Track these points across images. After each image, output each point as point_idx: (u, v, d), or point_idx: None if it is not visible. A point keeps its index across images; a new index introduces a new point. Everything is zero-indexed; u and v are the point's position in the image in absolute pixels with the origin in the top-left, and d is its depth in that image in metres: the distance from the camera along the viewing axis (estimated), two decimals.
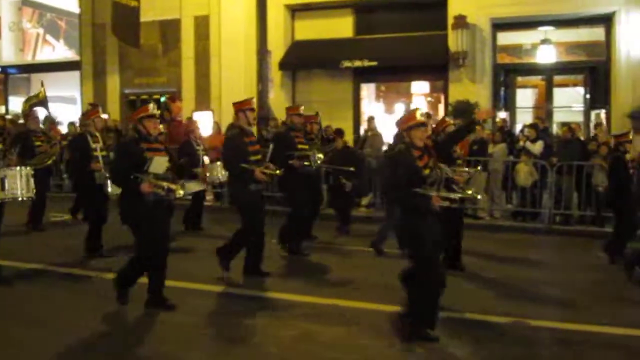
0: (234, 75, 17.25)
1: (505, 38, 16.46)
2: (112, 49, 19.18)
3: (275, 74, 16.63)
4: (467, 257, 8.41)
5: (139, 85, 18.97)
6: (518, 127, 15.99)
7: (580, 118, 16.12)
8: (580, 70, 16.45)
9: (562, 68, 16.39)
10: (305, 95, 17.13)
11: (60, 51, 24.44)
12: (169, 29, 18.61)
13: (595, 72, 15.90)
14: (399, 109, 17.61)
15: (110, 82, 19.27)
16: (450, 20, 15.52)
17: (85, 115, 9.68)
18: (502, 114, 15.77)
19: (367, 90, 17.92)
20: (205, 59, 18.14)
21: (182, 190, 6.29)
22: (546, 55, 15.94)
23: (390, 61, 16.01)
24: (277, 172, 7.76)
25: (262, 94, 15.23)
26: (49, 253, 9.10)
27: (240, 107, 7.69)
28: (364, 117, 16.87)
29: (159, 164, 6.18)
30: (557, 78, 16.69)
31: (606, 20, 15.43)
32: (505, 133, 13.67)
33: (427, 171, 5.43)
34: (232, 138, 7.70)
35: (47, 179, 11.73)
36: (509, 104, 16.64)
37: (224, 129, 15.19)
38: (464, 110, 15.02)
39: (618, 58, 14.98)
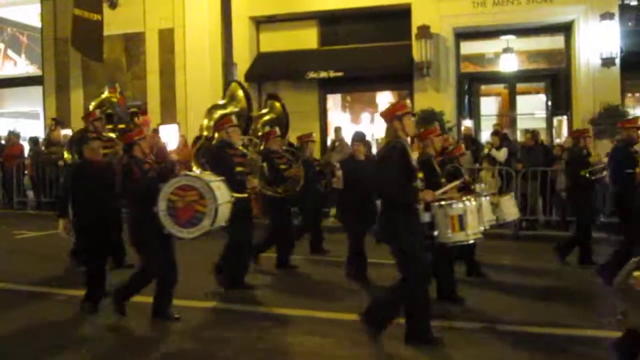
0: (200, 88, 17.16)
1: (469, 47, 16.71)
2: (75, 63, 18.95)
3: None
4: None
5: None
6: (483, 135, 16.22)
7: (543, 124, 16.42)
8: (541, 78, 16.77)
9: (524, 76, 16.68)
10: None
11: (22, 66, 24.06)
12: (133, 43, 18.46)
13: (556, 79, 16.23)
14: (365, 119, 17.78)
15: (73, 96, 19.01)
16: (414, 31, 15.68)
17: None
18: (467, 122, 15.97)
19: (333, 101, 18.00)
20: (170, 72, 18.02)
21: None
22: (508, 64, 16.22)
23: (355, 72, 16.12)
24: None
25: None
26: None
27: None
28: (331, 128, 16.95)
29: None
30: (520, 86, 16.98)
31: (565, 29, 15.77)
32: (470, 141, 13.83)
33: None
34: None
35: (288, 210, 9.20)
36: (474, 113, 16.87)
37: (190, 141, 15.13)
38: (429, 120, 15.20)
39: (577, 65, 15.29)
